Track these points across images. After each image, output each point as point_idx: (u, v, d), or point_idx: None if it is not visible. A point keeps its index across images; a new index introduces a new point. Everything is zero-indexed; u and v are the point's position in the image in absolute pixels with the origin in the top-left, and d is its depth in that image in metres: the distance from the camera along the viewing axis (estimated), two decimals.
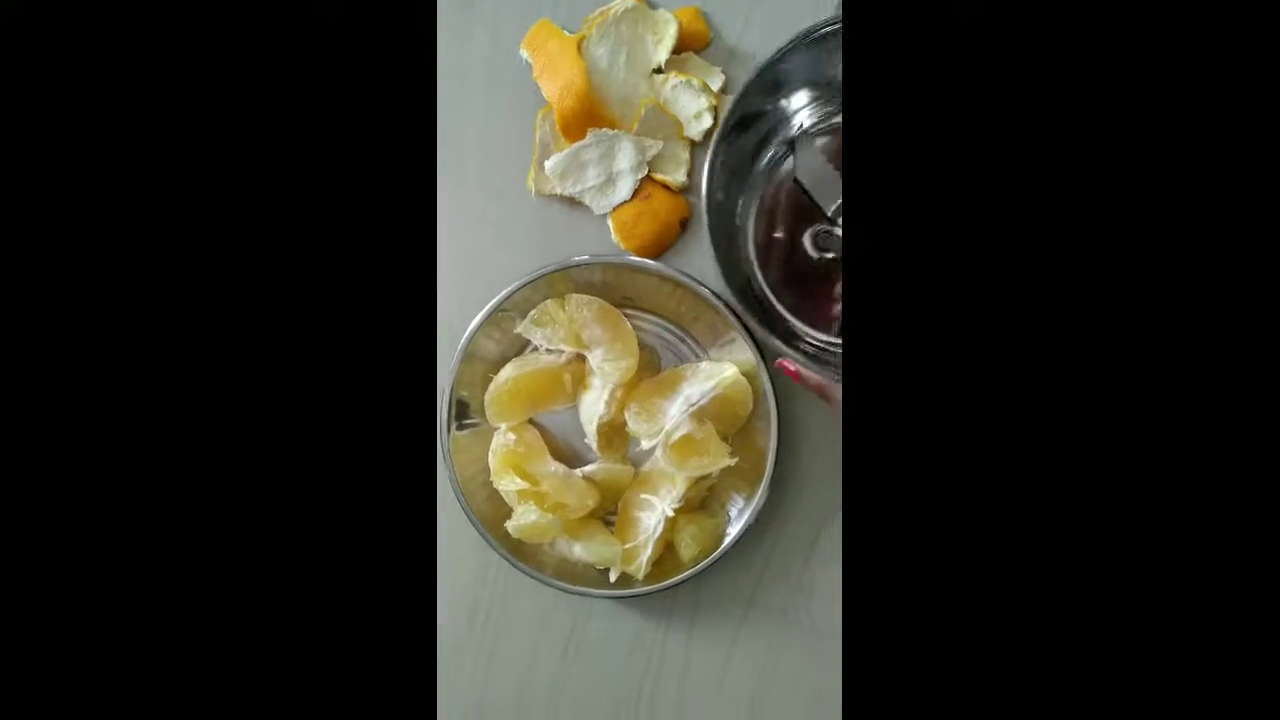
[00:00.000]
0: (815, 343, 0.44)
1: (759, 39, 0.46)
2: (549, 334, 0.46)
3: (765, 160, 0.44)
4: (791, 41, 0.39)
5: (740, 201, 0.44)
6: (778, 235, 0.44)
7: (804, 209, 0.43)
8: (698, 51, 0.46)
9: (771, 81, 0.41)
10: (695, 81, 0.45)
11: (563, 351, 0.47)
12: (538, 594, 0.48)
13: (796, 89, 0.43)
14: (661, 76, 0.46)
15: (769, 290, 0.44)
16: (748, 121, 0.42)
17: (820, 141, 0.43)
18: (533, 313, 0.46)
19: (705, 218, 0.40)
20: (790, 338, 0.44)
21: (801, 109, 0.44)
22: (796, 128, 0.44)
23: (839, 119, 0.43)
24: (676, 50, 0.46)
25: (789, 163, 0.44)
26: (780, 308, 0.44)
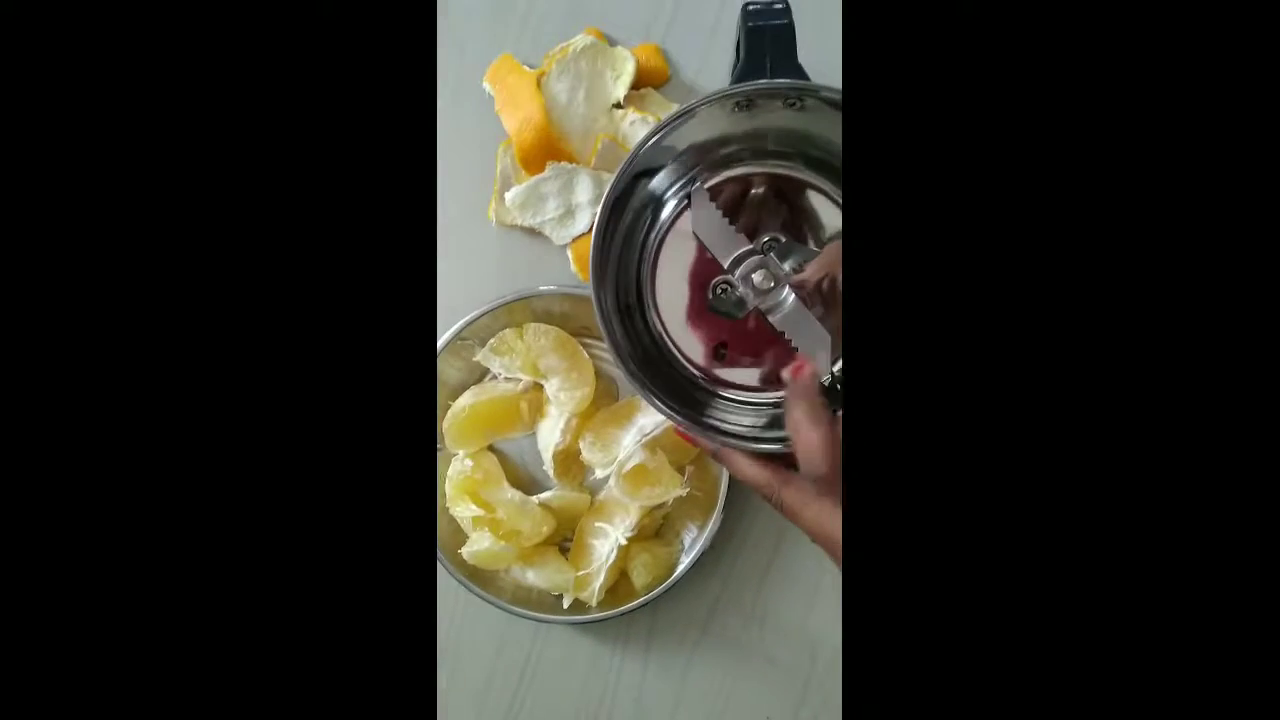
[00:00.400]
0: (728, 396, 0.43)
1: (716, 76, 0.47)
2: (507, 362, 0.47)
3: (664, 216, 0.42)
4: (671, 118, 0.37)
5: (640, 256, 0.42)
6: (680, 289, 0.41)
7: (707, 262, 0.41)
8: (656, 87, 0.47)
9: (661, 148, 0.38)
10: (651, 118, 0.46)
11: (520, 380, 0.48)
12: (495, 618, 0.48)
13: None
14: (620, 111, 0.47)
15: (677, 350, 0.42)
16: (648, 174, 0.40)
17: (714, 188, 0.40)
18: (491, 341, 0.47)
19: (594, 297, 0.37)
20: (696, 393, 0.42)
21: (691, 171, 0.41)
22: (688, 183, 0.41)
23: (731, 172, 0.41)
24: (636, 86, 0.47)
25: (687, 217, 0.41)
26: (691, 369, 0.42)
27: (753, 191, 0.41)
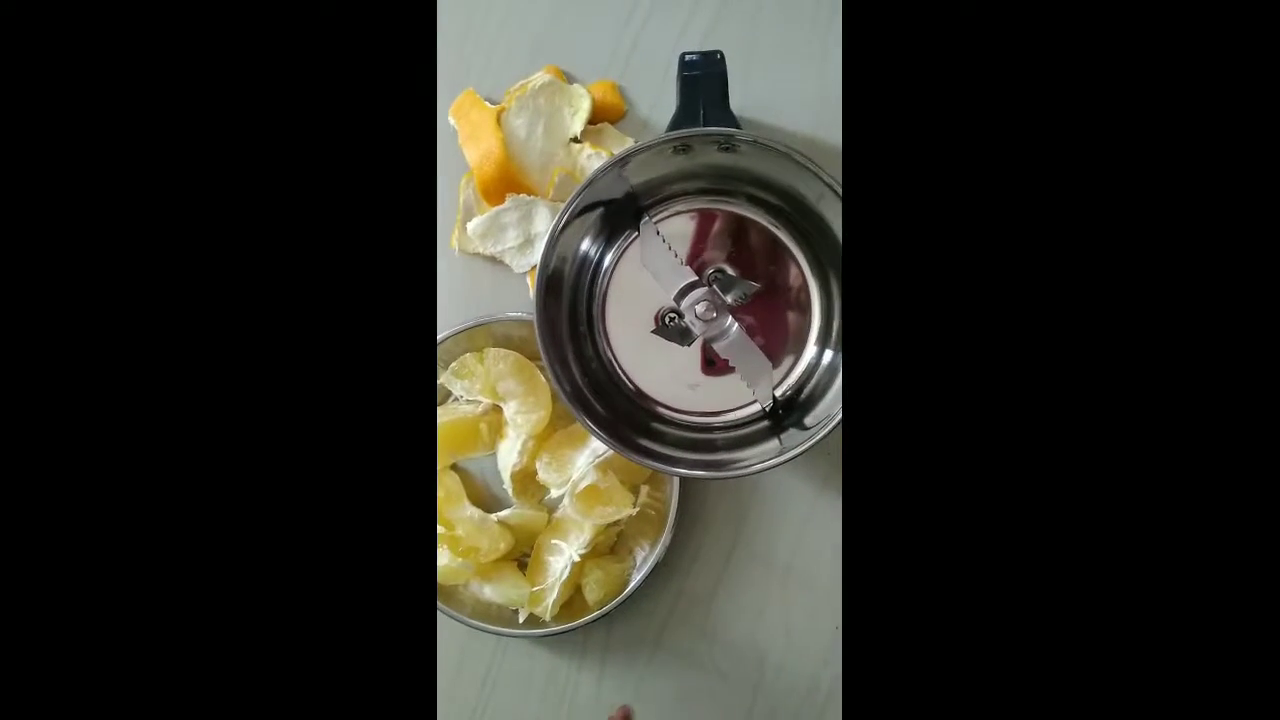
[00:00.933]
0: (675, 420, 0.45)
1: (670, 111, 0.49)
2: (468, 385, 0.49)
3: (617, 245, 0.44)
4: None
5: (592, 283, 0.44)
6: (631, 316, 0.43)
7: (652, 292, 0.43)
8: (613, 123, 0.49)
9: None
10: (606, 152, 0.48)
11: (480, 403, 0.50)
12: (457, 631, 0.50)
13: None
14: (577, 146, 0.49)
15: (624, 375, 0.44)
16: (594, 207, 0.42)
17: (660, 222, 0.43)
18: (453, 365, 0.49)
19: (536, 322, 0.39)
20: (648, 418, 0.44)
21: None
22: (636, 216, 0.43)
23: (678, 207, 0.43)
24: (593, 121, 0.49)
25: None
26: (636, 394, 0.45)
27: (696, 226, 0.43)
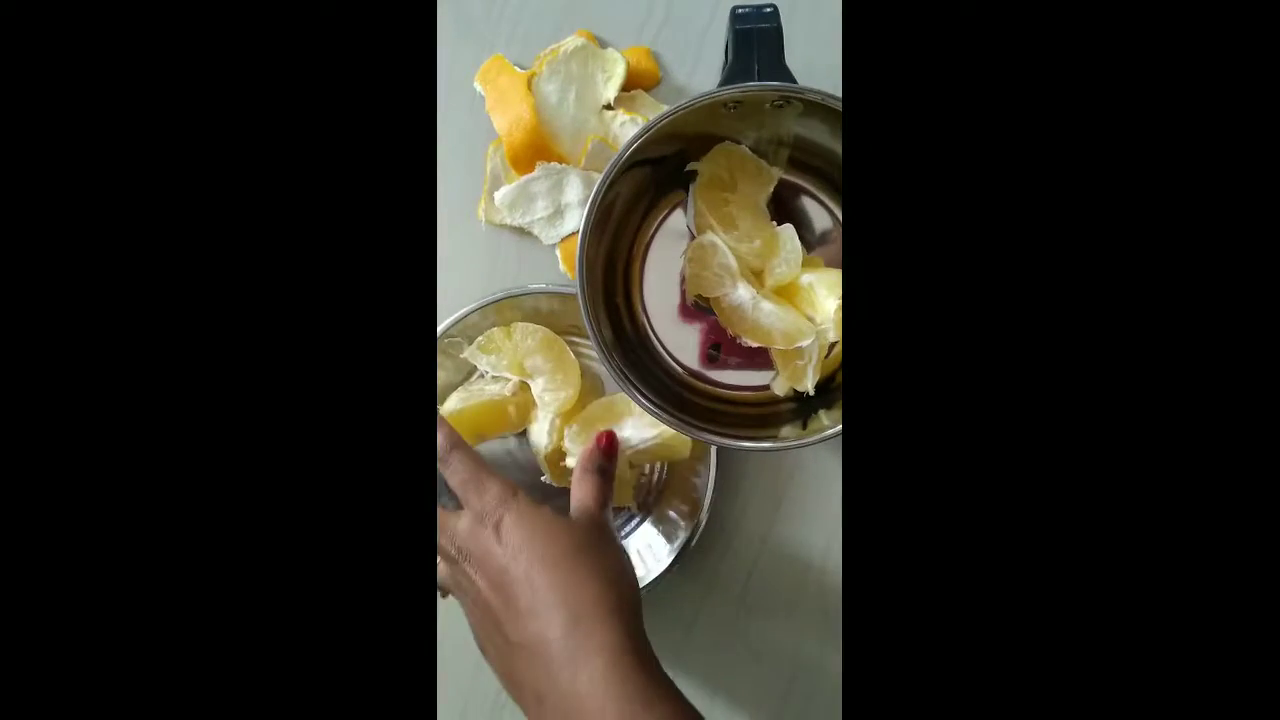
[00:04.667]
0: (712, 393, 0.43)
1: (707, 79, 0.48)
2: (494, 361, 0.47)
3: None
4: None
5: (629, 254, 0.44)
6: (669, 288, 0.43)
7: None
8: (647, 90, 0.48)
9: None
10: (641, 119, 0.46)
11: (508, 379, 0.48)
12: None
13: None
14: (610, 113, 0.47)
15: (663, 348, 0.43)
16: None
17: None
18: (479, 339, 0.47)
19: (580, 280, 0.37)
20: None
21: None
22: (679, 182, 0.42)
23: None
24: (626, 88, 0.47)
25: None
26: (676, 366, 0.44)
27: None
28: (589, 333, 0.37)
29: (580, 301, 0.36)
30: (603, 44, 0.48)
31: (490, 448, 0.49)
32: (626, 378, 0.37)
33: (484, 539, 0.36)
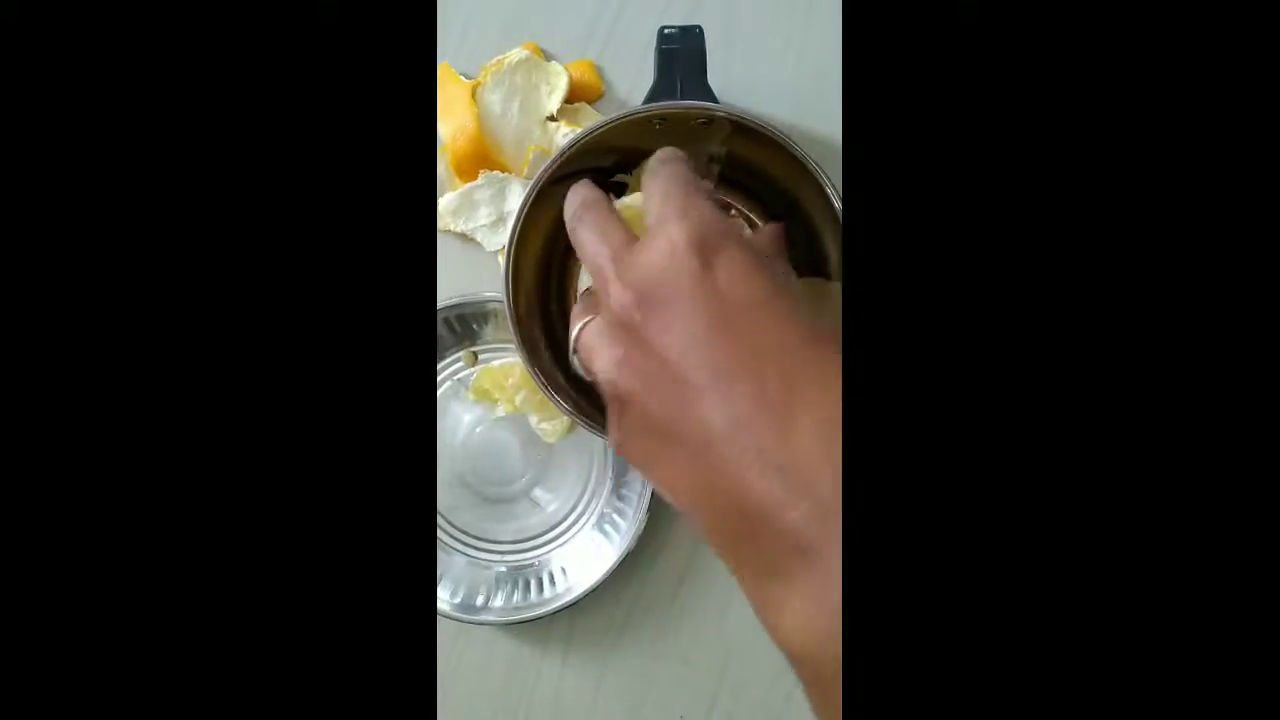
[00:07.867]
0: None
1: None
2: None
3: None
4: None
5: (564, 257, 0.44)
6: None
7: None
8: (590, 103, 0.49)
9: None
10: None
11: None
12: None
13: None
14: (553, 124, 0.48)
15: None
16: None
17: None
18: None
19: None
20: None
21: None
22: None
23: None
24: (569, 100, 0.48)
25: None
26: None
27: None
28: (514, 337, 0.38)
29: (506, 307, 0.37)
30: (548, 56, 0.49)
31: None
32: (548, 383, 0.38)
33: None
